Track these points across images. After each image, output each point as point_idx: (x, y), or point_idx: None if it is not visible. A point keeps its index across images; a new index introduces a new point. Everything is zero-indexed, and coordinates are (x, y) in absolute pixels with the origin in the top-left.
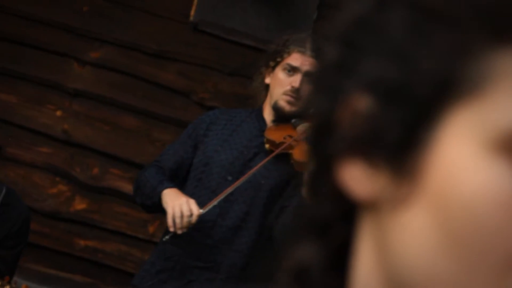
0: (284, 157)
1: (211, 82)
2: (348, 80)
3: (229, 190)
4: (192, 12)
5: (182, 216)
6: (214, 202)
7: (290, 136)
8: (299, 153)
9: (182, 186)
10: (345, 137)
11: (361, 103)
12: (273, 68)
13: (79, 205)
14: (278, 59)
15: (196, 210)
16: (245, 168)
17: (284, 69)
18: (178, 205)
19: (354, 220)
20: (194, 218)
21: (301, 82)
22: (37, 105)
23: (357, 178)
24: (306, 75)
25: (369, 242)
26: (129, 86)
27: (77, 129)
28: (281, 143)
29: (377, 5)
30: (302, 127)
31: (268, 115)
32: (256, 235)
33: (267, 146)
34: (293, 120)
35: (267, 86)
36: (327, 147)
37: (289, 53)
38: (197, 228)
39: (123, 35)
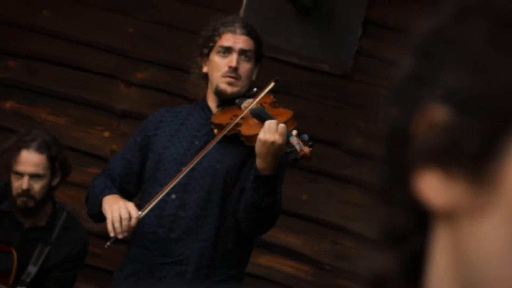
0: (235, 138)
1: None
2: (426, 91)
3: (170, 185)
4: None
5: (121, 220)
6: (153, 203)
7: (236, 116)
8: (247, 128)
9: (137, 191)
10: (422, 147)
11: (439, 114)
12: (208, 55)
13: None
14: (211, 44)
15: (135, 213)
16: None
17: (218, 52)
18: (117, 209)
19: (429, 229)
20: (133, 221)
21: (238, 61)
22: (85, 127)
23: (434, 188)
24: None
25: (444, 251)
26: (175, 106)
27: None
28: (228, 124)
29: (456, 17)
30: (246, 104)
31: (212, 102)
32: (219, 221)
33: (215, 131)
34: (237, 100)
35: (206, 75)
36: (403, 157)
37: (219, 36)
38: (159, 224)
39: (168, 56)
